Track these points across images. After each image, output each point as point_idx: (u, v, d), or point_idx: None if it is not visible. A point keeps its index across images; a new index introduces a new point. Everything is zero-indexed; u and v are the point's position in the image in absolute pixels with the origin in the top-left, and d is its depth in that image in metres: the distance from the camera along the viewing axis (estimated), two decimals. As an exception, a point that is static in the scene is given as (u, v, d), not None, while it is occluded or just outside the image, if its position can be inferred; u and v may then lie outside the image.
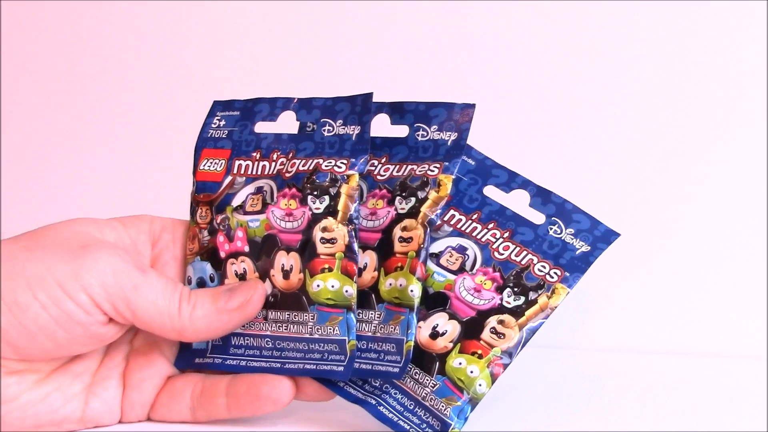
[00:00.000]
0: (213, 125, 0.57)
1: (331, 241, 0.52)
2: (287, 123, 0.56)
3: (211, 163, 0.56)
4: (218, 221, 0.54)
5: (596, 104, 0.72)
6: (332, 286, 0.52)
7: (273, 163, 0.55)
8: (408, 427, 0.50)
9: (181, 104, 0.80)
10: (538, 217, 0.54)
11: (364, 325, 0.52)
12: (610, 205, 0.69)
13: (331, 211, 0.52)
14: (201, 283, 0.54)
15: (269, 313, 0.53)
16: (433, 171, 0.53)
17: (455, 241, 0.53)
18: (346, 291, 0.52)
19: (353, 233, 0.52)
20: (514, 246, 0.53)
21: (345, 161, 0.53)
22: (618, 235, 0.53)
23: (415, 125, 0.55)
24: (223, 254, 0.54)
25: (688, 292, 0.71)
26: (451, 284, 0.52)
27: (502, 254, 0.53)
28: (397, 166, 0.55)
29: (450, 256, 0.53)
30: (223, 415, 0.52)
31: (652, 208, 0.72)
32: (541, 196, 0.54)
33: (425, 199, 0.52)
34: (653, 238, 0.72)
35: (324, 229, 0.52)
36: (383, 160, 0.55)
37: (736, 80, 0.71)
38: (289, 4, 0.78)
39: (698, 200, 0.71)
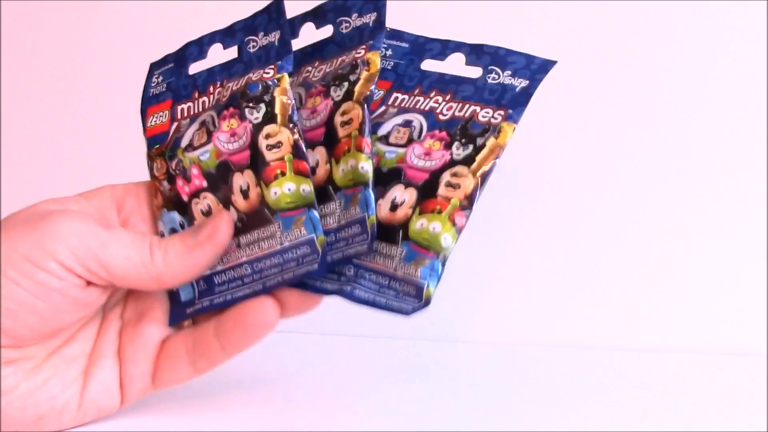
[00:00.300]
0: (152, 84, 0.57)
1: (277, 145, 0.51)
2: (217, 56, 0.55)
3: (157, 117, 0.56)
4: (173, 167, 0.54)
5: (595, 103, 0.71)
6: (289, 189, 0.50)
7: (211, 96, 0.55)
8: (385, 300, 0.49)
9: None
10: (476, 72, 0.53)
11: (327, 218, 0.51)
12: (610, 203, 0.70)
13: (269, 118, 0.52)
14: (174, 233, 0.53)
15: (240, 239, 0.52)
16: (359, 53, 0.53)
17: (400, 118, 0.52)
18: (303, 190, 0.50)
19: (297, 132, 0.51)
20: (457, 104, 0.52)
21: (272, 67, 0.53)
22: (554, 62, 0.52)
23: (338, 20, 0.54)
24: (185, 197, 0.53)
25: (687, 289, 0.70)
26: (402, 157, 0.51)
27: (446, 114, 0.52)
28: (329, 63, 0.54)
29: (397, 133, 0.52)
30: (223, 357, 0.52)
31: (651, 205, 0.70)
32: (475, 52, 0.53)
33: (357, 80, 0.51)
34: (652, 235, 0.70)
35: (267, 136, 0.51)
36: (316, 64, 0.54)
37: (738, 70, 0.69)
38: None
39: (697, 197, 0.70)
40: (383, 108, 0.53)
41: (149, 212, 0.55)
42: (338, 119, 0.51)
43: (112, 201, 0.54)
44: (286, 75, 0.52)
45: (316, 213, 0.50)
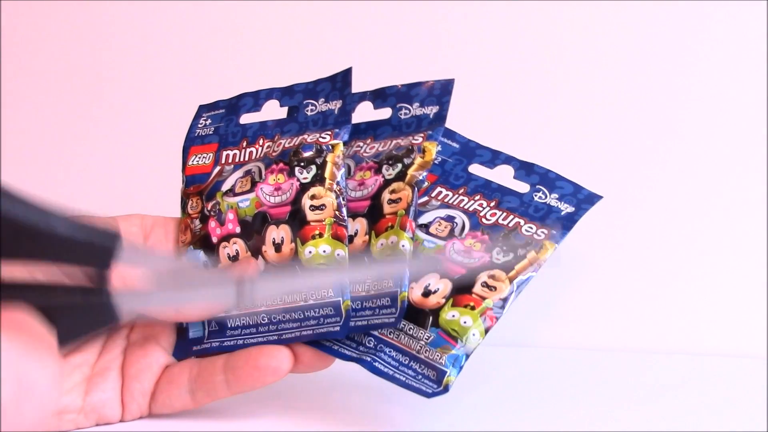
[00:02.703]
0: (199, 125, 0.58)
1: (320, 207, 0.52)
2: (272, 111, 0.57)
3: (200, 158, 0.57)
4: (209, 208, 0.55)
5: (593, 101, 0.73)
6: (324, 251, 0.52)
7: (260, 148, 0.56)
8: (404, 379, 0.49)
9: (177, 104, 0.81)
10: (522, 187, 0.55)
11: (357, 286, 0.51)
12: (610, 206, 0.68)
13: (318, 179, 0.53)
14: None
15: None
16: (417, 140, 0.54)
17: (443, 212, 0.54)
18: (338, 254, 0.52)
19: (341, 199, 0.52)
20: (501, 212, 0.54)
21: (329, 132, 0.54)
22: (600, 197, 0.54)
23: (398, 105, 0.56)
24: (215, 239, 0.54)
25: (687, 291, 0.71)
26: (441, 249, 0.53)
27: (490, 220, 0.54)
28: (382, 143, 0.55)
29: (439, 225, 0.54)
30: (223, 393, 0.52)
31: (652, 207, 0.71)
32: (525, 169, 0.56)
33: (411, 164, 0.53)
34: (653, 237, 0.71)
35: (313, 197, 0.53)
36: (368, 141, 0.56)
37: (738, 70, 0.71)
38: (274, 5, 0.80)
39: (698, 200, 0.71)
40: (426, 198, 0.55)
41: (174, 247, 0.55)
42: (386, 196, 0.53)
43: (140, 229, 0.55)
44: (341, 143, 0.54)
45: (345, 280, 0.51)
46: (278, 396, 0.57)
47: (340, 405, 0.56)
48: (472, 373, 0.61)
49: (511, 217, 0.54)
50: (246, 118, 0.58)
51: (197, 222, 0.55)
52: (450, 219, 0.54)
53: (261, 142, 0.56)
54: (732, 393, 0.61)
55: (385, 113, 0.57)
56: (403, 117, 0.56)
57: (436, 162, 0.56)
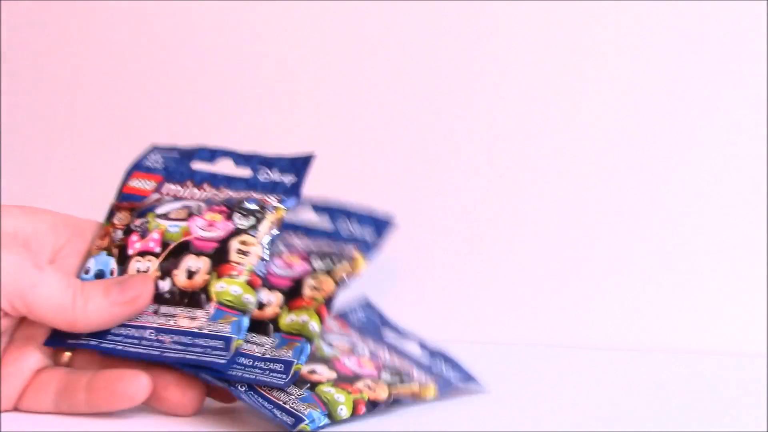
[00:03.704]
0: (149, 159, 0.60)
1: (246, 253, 0.54)
2: (224, 167, 0.60)
3: (141, 182, 0.59)
4: (137, 224, 0.56)
5: (596, 103, 0.74)
6: (234, 291, 0.53)
7: (203, 191, 0.58)
8: (255, 377, 0.52)
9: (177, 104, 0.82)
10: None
11: (256, 347, 0.54)
12: (611, 205, 0.73)
13: (252, 229, 0.55)
14: (100, 275, 0.55)
15: (161, 307, 0.53)
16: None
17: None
18: (246, 298, 0.53)
19: (268, 257, 0.54)
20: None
21: (277, 197, 0.57)
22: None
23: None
24: (131, 251, 0.55)
25: (687, 290, 0.72)
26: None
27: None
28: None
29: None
30: (84, 410, 0.52)
31: (652, 207, 0.73)
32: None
33: (339, 261, 0.57)
34: (654, 237, 0.73)
35: (243, 243, 0.55)
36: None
37: (738, 70, 0.72)
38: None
39: (698, 198, 0.72)
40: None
41: (85, 248, 0.56)
42: (310, 282, 0.56)
43: (50, 227, 0.56)
44: (285, 209, 0.57)
45: (246, 321, 0.53)
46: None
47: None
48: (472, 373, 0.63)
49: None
50: (197, 166, 0.60)
51: (119, 233, 0.56)
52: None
53: (206, 187, 0.58)
54: (732, 392, 0.61)
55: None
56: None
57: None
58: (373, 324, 0.64)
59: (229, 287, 0.53)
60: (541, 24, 0.74)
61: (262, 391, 0.52)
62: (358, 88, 0.78)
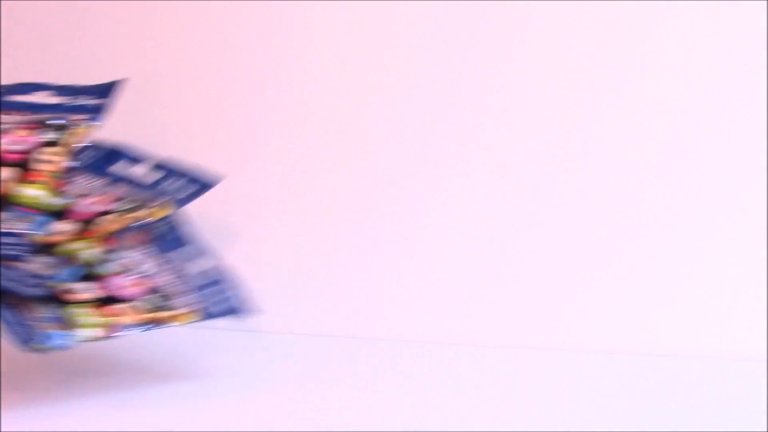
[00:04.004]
0: None
1: (49, 162, 0.63)
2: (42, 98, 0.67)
3: None
4: None
5: (596, 103, 0.74)
6: (33, 194, 0.62)
7: (16, 116, 0.66)
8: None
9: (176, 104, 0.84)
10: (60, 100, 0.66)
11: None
12: (611, 207, 0.72)
13: (56, 143, 0.63)
14: None
15: None
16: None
17: None
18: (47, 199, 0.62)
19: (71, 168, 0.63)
20: (41, 114, 0.65)
21: (83, 117, 0.65)
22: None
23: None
24: None
25: (687, 294, 0.72)
26: None
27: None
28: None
29: None
30: None
31: (651, 210, 0.72)
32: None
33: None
34: (653, 240, 0.72)
35: (46, 153, 0.63)
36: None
37: (738, 70, 0.71)
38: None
39: (697, 201, 0.72)
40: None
41: None
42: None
43: None
44: (89, 127, 0.65)
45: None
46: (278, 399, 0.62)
47: (340, 405, 0.59)
48: (471, 374, 0.66)
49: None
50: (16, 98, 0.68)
51: None
52: None
53: (18, 113, 0.66)
54: (732, 396, 0.61)
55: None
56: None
57: None
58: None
59: (28, 191, 0.61)
60: (541, 24, 0.74)
61: (17, 309, 0.57)
62: (358, 88, 0.78)
